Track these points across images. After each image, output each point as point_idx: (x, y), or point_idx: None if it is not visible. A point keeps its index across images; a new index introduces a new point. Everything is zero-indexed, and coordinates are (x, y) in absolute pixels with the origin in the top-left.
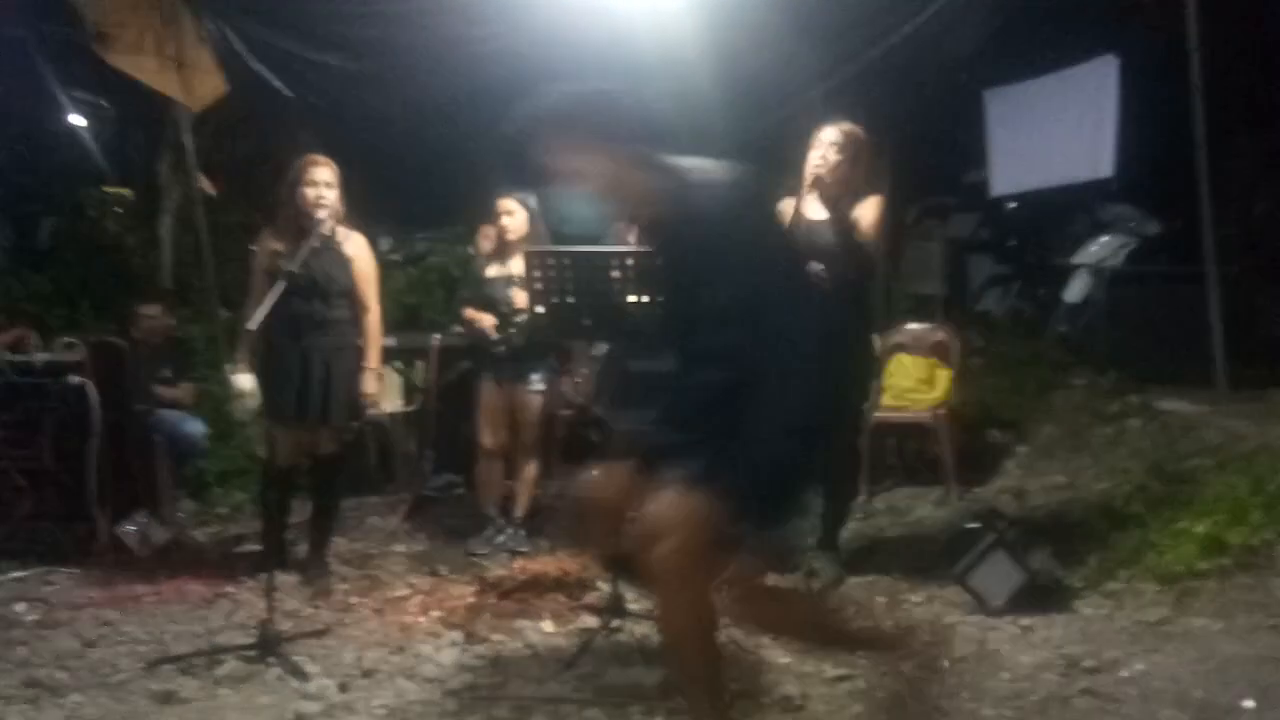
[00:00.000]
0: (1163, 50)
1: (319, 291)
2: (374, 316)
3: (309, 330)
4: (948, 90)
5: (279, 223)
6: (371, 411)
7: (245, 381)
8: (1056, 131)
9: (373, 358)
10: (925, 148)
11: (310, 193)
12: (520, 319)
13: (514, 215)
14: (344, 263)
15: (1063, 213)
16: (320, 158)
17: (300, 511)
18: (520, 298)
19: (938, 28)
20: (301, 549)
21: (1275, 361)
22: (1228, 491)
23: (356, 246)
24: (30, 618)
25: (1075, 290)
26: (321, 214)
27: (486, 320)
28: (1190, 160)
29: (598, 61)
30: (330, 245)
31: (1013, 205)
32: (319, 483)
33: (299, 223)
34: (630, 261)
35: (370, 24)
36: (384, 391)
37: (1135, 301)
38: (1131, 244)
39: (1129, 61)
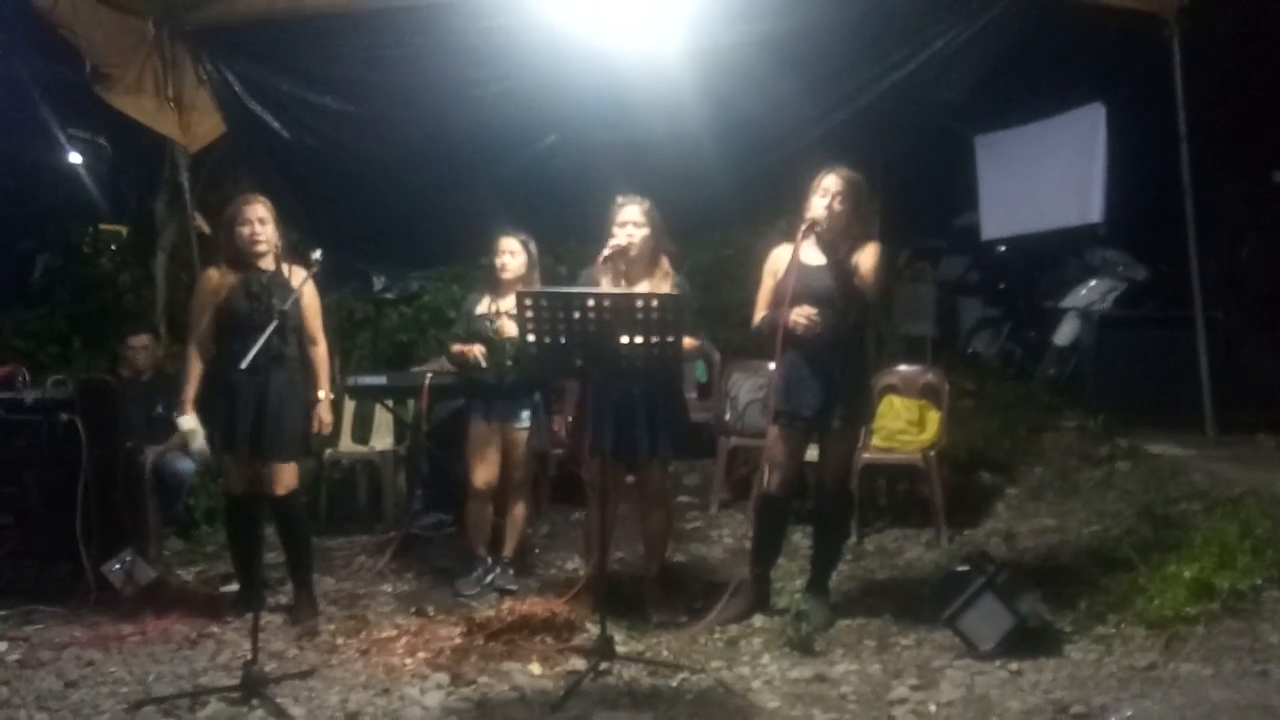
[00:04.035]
0: (1149, 98)
1: (278, 328)
2: (322, 348)
3: (265, 365)
4: (938, 136)
5: (221, 261)
6: (324, 438)
7: (188, 421)
8: (1045, 177)
9: (324, 386)
10: (917, 191)
11: (245, 230)
12: (512, 346)
13: (515, 255)
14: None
15: (1052, 257)
16: (254, 196)
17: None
18: (510, 328)
19: (927, 75)
20: (288, 589)
21: (1262, 405)
22: (1216, 536)
23: (300, 281)
24: (12, 657)
25: (1065, 333)
26: (259, 249)
27: (476, 349)
28: (1177, 205)
29: (595, 106)
30: (278, 281)
31: (1003, 249)
32: (282, 522)
33: (240, 260)
34: (623, 304)
35: (368, 67)
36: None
37: (1124, 345)
38: (1120, 288)
39: (1116, 109)
